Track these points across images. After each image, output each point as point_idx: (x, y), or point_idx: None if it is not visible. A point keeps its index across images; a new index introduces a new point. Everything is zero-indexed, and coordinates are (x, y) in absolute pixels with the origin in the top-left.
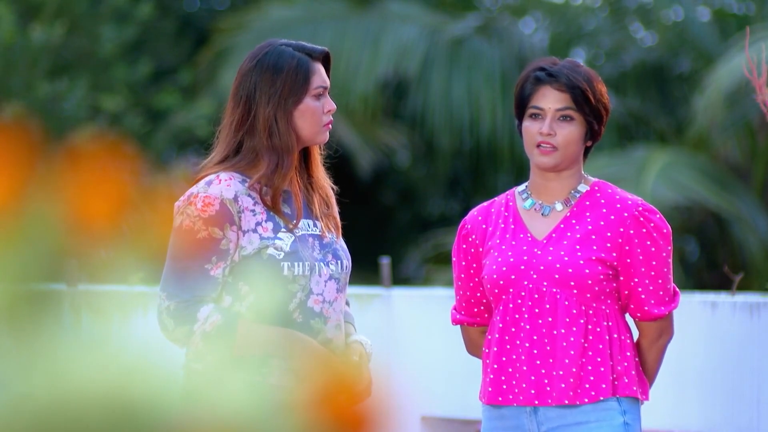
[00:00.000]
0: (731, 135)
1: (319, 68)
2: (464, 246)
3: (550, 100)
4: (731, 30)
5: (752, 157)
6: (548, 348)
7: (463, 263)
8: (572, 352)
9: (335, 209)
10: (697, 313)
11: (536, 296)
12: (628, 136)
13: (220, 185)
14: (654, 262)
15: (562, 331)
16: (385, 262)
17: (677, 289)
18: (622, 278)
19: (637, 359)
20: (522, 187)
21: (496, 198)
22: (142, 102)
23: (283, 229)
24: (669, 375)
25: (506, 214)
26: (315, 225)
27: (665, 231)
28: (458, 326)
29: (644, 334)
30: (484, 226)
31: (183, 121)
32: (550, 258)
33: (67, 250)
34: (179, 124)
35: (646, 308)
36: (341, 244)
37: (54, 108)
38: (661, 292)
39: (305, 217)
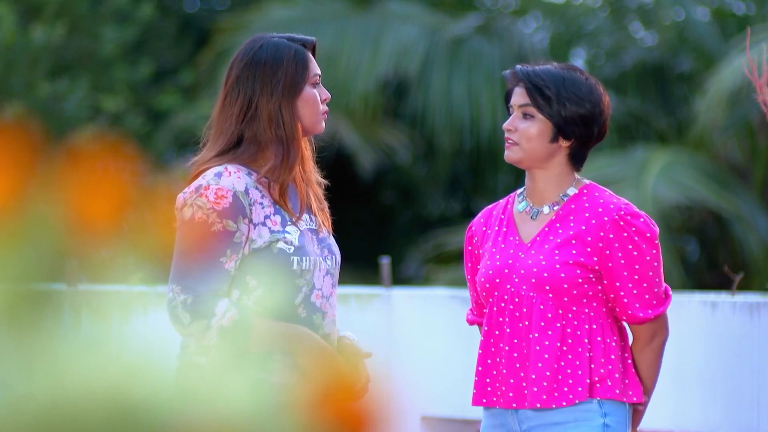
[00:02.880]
0: (731, 135)
1: (312, 57)
2: (469, 248)
3: (516, 97)
4: (731, 30)
5: (752, 157)
6: (525, 351)
7: (469, 265)
8: (546, 356)
9: (325, 204)
10: (697, 313)
11: (516, 300)
12: (629, 136)
13: (231, 177)
14: (637, 266)
15: (536, 335)
16: (385, 261)
17: (669, 292)
18: (606, 282)
19: (628, 362)
20: (521, 189)
21: (502, 200)
22: (142, 102)
23: (289, 223)
24: (669, 375)
25: (503, 216)
26: (312, 219)
27: (648, 235)
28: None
29: (636, 336)
30: (484, 229)
31: (184, 122)
32: (530, 262)
33: (67, 250)
34: (180, 125)
35: (630, 312)
36: (332, 239)
37: (55, 108)
38: (647, 296)
39: (305, 211)
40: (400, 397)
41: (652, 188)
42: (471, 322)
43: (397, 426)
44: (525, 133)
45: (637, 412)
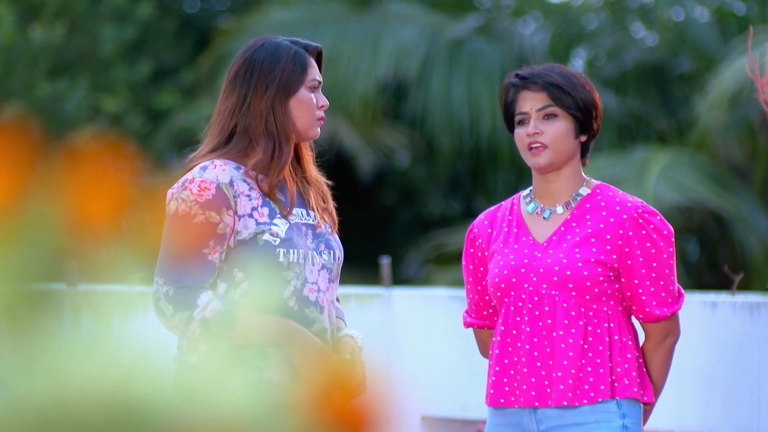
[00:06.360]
0: (732, 135)
1: (313, 62)
2: (471, 250)
3: (530, 102)
4: (732, 30)
5: (752, 157)
6: (548, 350)
7: (471, 267)
8: (571, 354)
9: (332, 204)
10: (697, 313)
11: (536, 299)
12: (629, 137)
13: (216, 170)
14: (655, 264)
15: (561, 333)
16: (385, 262)
17: (682, 291)
18: (623, 280)
19: (640, 361)
20: (526, 191)
21: (503, 202)
22: (142, 102)
23: (278, 216)
24: (669, 375)
25: (510, 217)
26: (309, 214)
27: (666, 232)
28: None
29: (649, 335)
30: (489, 230)
31: (183, 122)
32: (549, 260)
33: (67, 250)
34: (180, 125)
35: (647, 309)
36: (335, 237)
37: (54, 108)
38: (663, 294)
39: (299, 206)
40: (400, 397)
41: (652, 189)
42: (468, 325)
43: (397, 426)
44: (554, 134)
45: (644, 412)
